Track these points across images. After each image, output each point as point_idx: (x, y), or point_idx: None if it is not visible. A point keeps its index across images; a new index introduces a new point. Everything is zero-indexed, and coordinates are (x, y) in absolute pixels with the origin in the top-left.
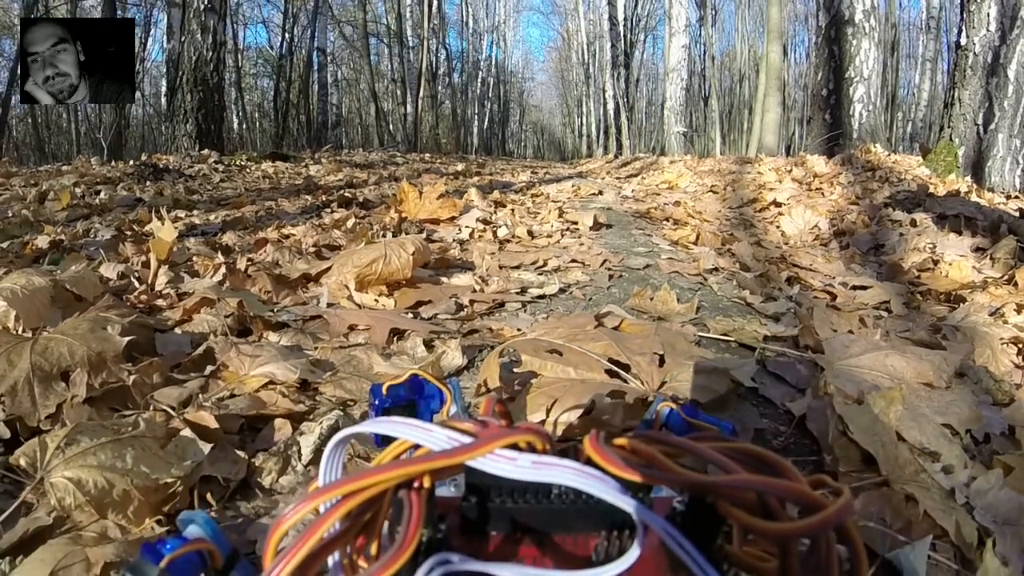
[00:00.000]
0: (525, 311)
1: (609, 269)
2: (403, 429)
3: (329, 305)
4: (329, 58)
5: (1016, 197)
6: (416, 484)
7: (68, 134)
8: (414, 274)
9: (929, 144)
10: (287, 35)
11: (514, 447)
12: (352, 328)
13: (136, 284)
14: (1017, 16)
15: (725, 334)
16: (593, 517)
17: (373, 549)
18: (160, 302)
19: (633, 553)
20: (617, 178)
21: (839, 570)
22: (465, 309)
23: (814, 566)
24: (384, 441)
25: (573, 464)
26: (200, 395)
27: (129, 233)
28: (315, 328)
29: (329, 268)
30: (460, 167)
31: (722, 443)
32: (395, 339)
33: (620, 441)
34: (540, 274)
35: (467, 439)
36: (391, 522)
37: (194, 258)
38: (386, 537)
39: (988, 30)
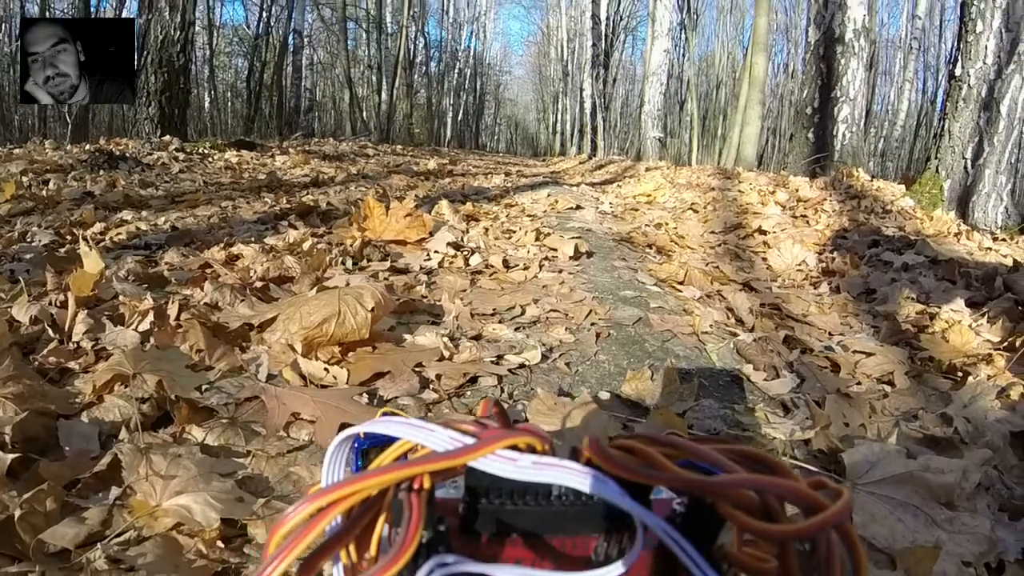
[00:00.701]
0: (501, 388)
1: (595, 324)
2: (404, 429)
3: (270, 377)
4: (306, 40)
5: (1003, 239)
6: (416, 485)
7: (34, 107)
8: (373, 328)
9: (908, 168)
10: (264, 14)
11: (514, 448)
12: (295, 417)
13: (50, 332)
14: (1015, 51)
15: (735, 440)
16: (593, 518)
17: (373, 551)
18: (73, 364)
19: (633, 554)
20: (592, 183)
21: (841, 571)
22: (431, 384)
23: (815, 567)
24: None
25: (574, 465)
26: (100, 541)
27: (66, 240)
28: (250, 415)
29: (275, 319)
30: (432, 164)
31: (721, 445)
32: None
33: (620, 442)
34: (517, 329)
35: (469, 440)
36: (391, 524)
37: (120, 297)
38: (386, 539)
39: (984, 63)
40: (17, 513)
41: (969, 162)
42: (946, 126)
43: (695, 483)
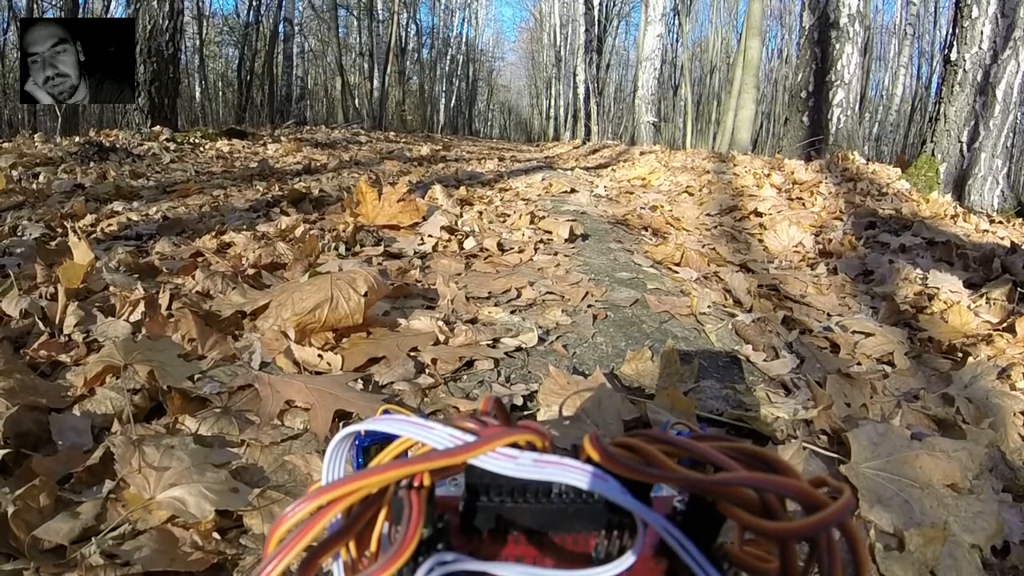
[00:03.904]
0: (498, 372)
1: (592, 306)
2: (405, 427)
3: (263, 365)
4: (296, 28)
5: (1000, 222)
6: (416, 483)
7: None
8: (367, 313)
9: (903, 152)
10: (254, 3)
11: (514, 446)
12: (289, 405)
13: (40, 325)
14: (1011, 36)
15: (739, 420)
16: (593, 516)
17: (373, 548)
18: (64, 357)
19: (633, 552)
20: (586, 168)
21: (842, 569)
22: (427, 369)
23: (816, 565)
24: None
25: (574, 463)
26: (94, 535)
27: (57, 233)
28: (243, 404)
29: (267, 306)
30: (425, 150)
31: (722, 443)
32: (340, 423)
33: (621, 440)
34: (513, 312)
35: (469, 437)
36: (391, 522)
37: (111, 287)
38: (386, 537)
39: (980, 48)
40: (10, 510)
41: (965, 145)
42: (942, 110)
43: (696, 481)
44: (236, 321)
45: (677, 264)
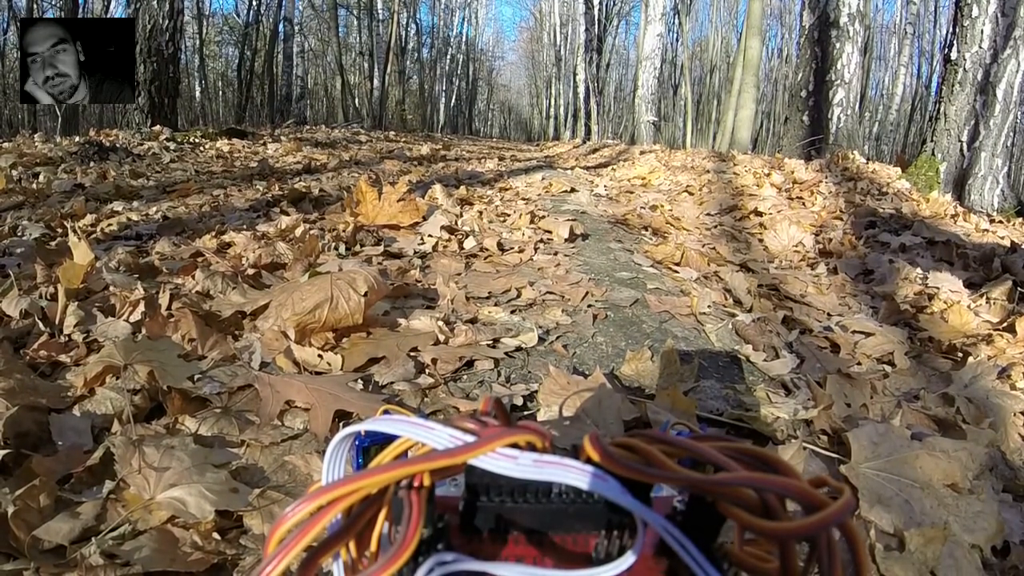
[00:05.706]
0: (498, 372)
1: (592, 306)
2: (405, 427)
3: (263, 365)
4: (296, 28)
5: (1000, 222)
6: (416, 483)
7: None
8: (367, 313)
9: (903, 151)
10: (254, 2)
11: (514, 446)
12: (289, 405)
13: (40, 325)
14: (1011, 35)
15: (739, 420)
16: (593, 516)
17: (373, 548)
18: (64, 357)
19: (633, 552)
20: (586, 167)
21: (842, 570)
22: (427, 369)
23: (816, 565)
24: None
25: (574, 463)
26: (94, 535)
27: (57, 233)
28: (243, 404)
29: (267, 306)
30: (425, 150)
31: (722, 443)
32: (340, 423)
33: (621, 440)
34: (513, 311)
35: (469, 438)
36: (391, 522)
37: (111, 287)
38: (386, 537)
39: (980, 47)
40: (10, 510)
41: (965, 145)
42: (942, 109)
43: (696, 481)
44: (236, 321)
45: (677, 264)
